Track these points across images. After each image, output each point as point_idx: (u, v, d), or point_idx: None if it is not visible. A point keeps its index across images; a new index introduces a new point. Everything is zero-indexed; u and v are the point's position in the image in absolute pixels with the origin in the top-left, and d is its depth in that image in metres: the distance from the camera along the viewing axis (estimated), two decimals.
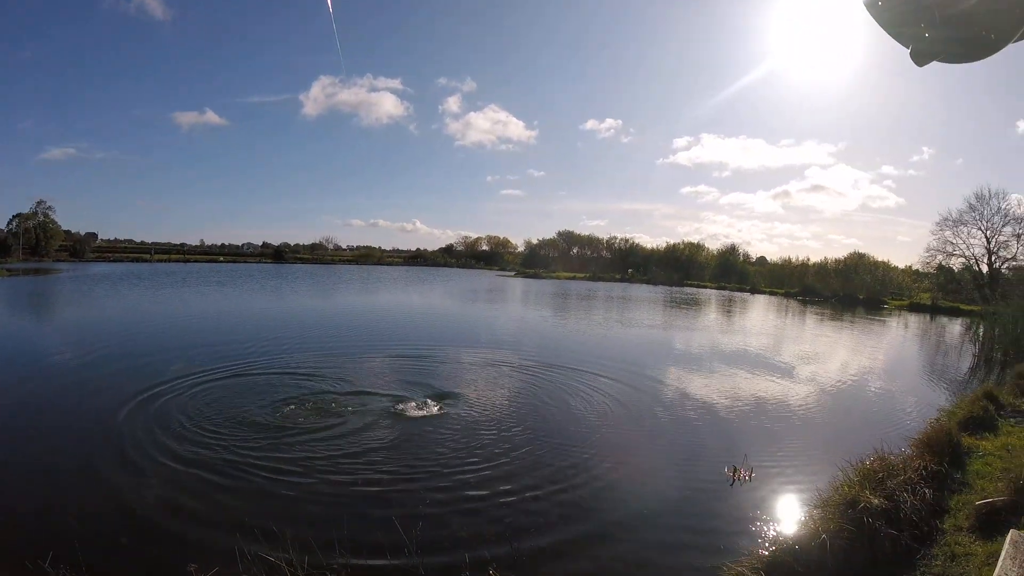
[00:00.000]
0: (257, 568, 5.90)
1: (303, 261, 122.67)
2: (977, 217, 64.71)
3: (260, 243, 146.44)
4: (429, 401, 13.31)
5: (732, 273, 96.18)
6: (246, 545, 6.28)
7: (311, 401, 13.09)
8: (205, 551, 6.58)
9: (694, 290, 79.08)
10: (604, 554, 7.11)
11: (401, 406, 12.80)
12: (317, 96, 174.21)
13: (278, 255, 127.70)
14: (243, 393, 13.66)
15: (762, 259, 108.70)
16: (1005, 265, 63.98)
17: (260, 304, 37.69)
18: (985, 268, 64.66)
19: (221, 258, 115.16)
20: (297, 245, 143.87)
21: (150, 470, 9.16)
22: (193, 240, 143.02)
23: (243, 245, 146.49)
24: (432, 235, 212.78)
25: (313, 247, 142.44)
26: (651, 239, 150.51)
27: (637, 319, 37.21)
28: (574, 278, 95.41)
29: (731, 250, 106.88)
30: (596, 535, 7.56)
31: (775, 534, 7.23)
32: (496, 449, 10.51)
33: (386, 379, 15.77)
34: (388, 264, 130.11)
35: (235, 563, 5.98)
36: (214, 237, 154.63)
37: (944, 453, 9.33)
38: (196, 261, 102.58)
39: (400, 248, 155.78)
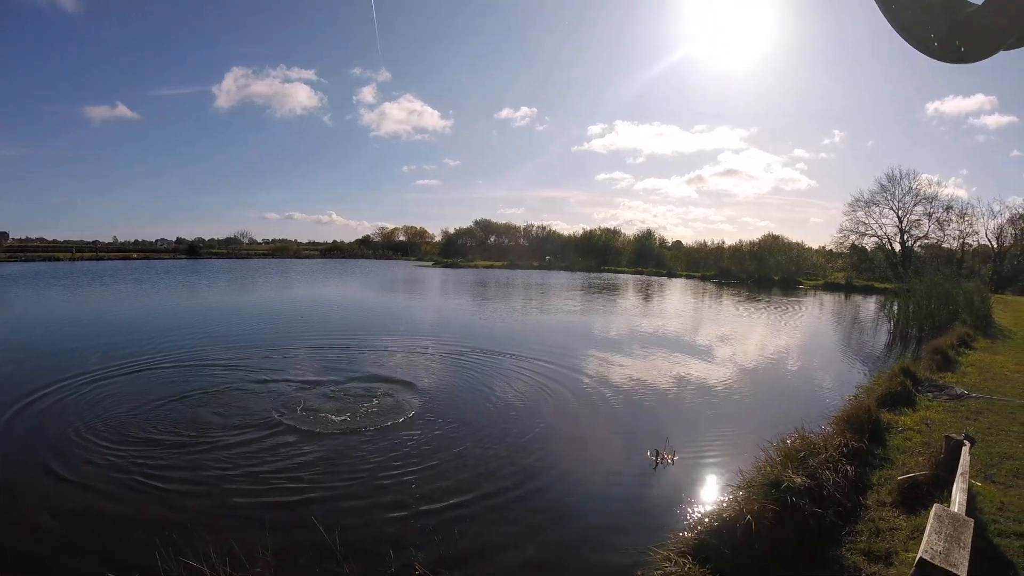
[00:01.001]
0: (178, 573, 5.92)
1: (218, 256, 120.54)
2: (889, 197, 69.97)
3: (174, 239, 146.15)
4: (348, 394, 13.52)
5: (649, 258, 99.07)
6: (166, 553, 6.17)
7: (225, 396, 13.22)
8: (121, 561, 6.52)
9: (612, 275, 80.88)
10: (530, 545, 7.20)
11: (318, 399, 13.06)
12: (230, 88, 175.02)
13: (192, 251, 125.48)
14: (154, 389, 13.74)
15: (678, 243, 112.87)
16: (917, 243, 69.33)
17: (176, 300, 36.44)
18: (898, 247, 69.70)
19: (135, 255, 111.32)
20: (212, 240, 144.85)
21: (49, 474, 8.98)
22: (106, 237, 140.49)
23: (157, 241, 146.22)
24: (348, 227, 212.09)
25: (228, 241, 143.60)
26: (568, 226, 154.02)
27: (556, 305, 37.70)
28: (492, 266, 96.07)
29: (647, 235, 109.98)
30: (521, 526, 7.66)
31: (700, 516, 7.39)
32: (416, 442, 10.57)
33: (303, 370, 16.05)
34: (304, 257, 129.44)
35: (156, 572, 5.97)
36: (127, 234, 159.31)
37: (864, 430, 9.80)
38: (110, 259, 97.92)
39: (316, 241, 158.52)
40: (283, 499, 8.24)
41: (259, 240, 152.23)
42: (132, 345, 19.42)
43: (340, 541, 6.69)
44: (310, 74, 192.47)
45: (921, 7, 1.99)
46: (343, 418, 11.71)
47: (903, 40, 2.09)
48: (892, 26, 2.13)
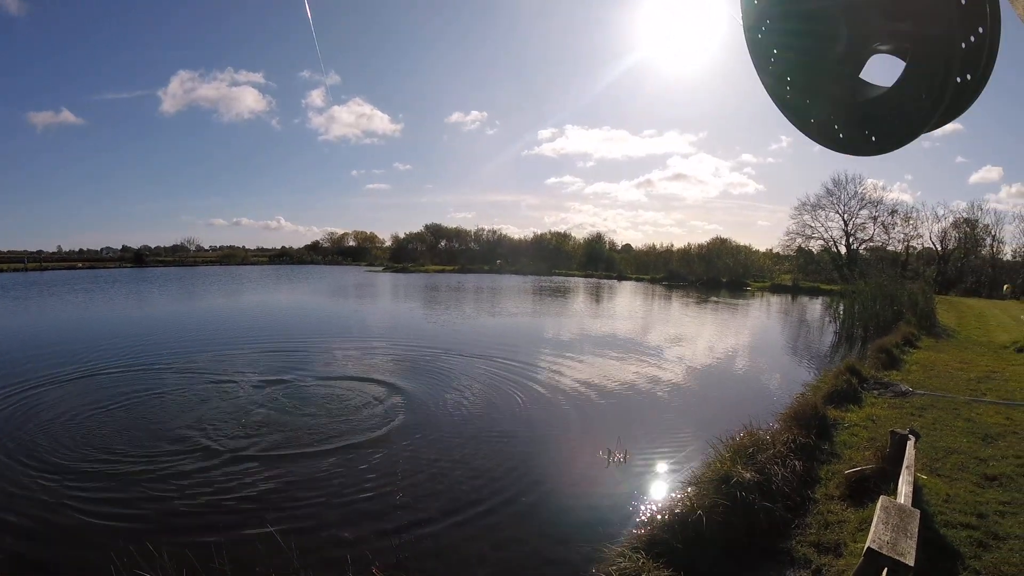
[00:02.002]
0: None
1: (165, 264, 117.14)
2: (835, 201, 72.11)
3: (120, 247, 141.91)
4: (301, 399, 13.55)
5: (599, 261, 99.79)
6: (120, 565, 6.07)
7: (179, 403, 13.17)
8: (72, 568, 6.58)
9: (563, 278, 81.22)
10: (486, 545, 7.21)
11: (272, 405, 13.06)
12: (176, 92, 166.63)
13: (138, 259, 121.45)
14: (105, 395, 13.72)
15: (628, 246, 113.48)
16: (862, 246, 71.55)
17: (127, 309, 35.68)
18: (843, 249, 71.79)
19: (80, 264, 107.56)
20: (158, 248, 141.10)
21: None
22: (50, 247, 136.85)
23: (102, 250, 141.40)
24: (297, 232, 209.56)
25: (175, 249, 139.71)
26: (519, 230, 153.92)
27: (507, 308, 37.75)
28: (443, 271, 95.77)
29: (597, 239, 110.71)
30: (477, 527, 7.68)
31: (653, 512, 7.41)
32: (369, 447, 10.55)
33: (258, 376, 15.95)
34: (253, 264, 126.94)
35: None
36: (72, 243, 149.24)
37: (811, 426, 9.99)
38: (55, 268, 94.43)
39: (265, 247, 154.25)
40: (238, 507, 8.12)
41: (206, 247, 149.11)
42: (85, 352, 19.25)
43: (297, 548, 6.62)
44: (258, 77, 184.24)
45: (821, 98, 1.94)
46: (297, 424, 11.63)
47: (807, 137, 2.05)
48: (794, 124, 2.08)
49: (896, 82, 1.70)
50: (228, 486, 8.75)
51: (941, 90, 1.56)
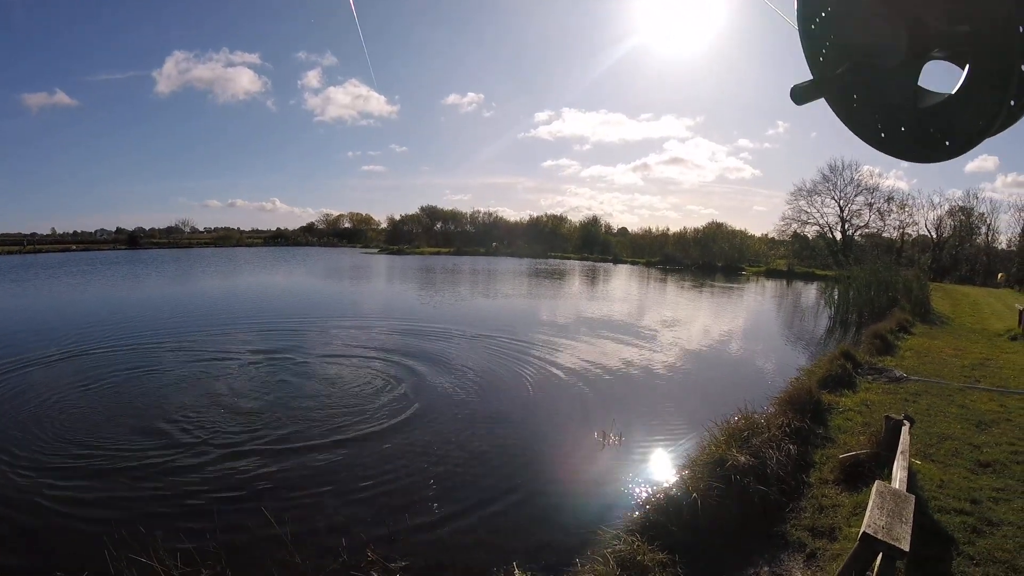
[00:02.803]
0: (129, 572, 5.78)
1: (159, 246, 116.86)
2: (831, 187, 72.24)
3: (114, 229, 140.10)
4: (294, 379, 13.64)
5: (595, 244, 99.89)
6: (116, 552, 6.00)
7: (172, 386, 13.06)
8: (68, 561, 6.29)
9: (558, 261, 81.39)
10: (480, 527, 7.23)
11: (264, 387, 13.13)
12: (171, 72, 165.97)
13: (133, 241, 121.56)
14: (99, 376, 13.65)
15: (624, 230, 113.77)
16: (858, 232, 71.76)
17: (120, 291, 35.65)
18: (839, 235, 71.91)
19: (74, 246, 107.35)
20: (152, 230, 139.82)
21: None
22: (44, 229, 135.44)
23: (96, 232, 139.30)
24: (292, 214, 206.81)
25: (169, 231, 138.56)
26: (515, 212, 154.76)
27: (503, 291, 37.92)
28: (438, 253, 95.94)
29: (593, 222, 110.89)
30: (472, 508, 7.70)
31: (647, 495, 7.45)
32: (363, 428, 10.54)
33: (254, 357, 16.08)
34: (248, 245, 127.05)
35: (106, 569, 5.86)
36: (66, 225, 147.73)
37: (806, 410, 10.02)
38: (48, 251, 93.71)
39: (260, 228, 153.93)
40: (232, 492, 8.08)
41: (201, 229, 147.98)
42: (87, 332, 19.44)
43: (291, 531, 6.64)
44: (254, 58, 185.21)
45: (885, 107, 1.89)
46: (288, 407, 11.59)
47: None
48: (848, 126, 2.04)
49: (960, 84, 1.69)
50: (219, 471, 8.71)
51: (1006, 79, 1.54)
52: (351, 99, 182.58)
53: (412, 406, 11.74)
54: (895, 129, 1.86)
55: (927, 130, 1.78)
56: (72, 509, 7.52)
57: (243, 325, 21.11)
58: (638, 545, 5.72)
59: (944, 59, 1.77)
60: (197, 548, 6.16)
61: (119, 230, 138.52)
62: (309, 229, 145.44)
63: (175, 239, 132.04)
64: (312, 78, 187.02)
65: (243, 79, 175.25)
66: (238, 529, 6.97)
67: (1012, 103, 1.61)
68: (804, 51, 2.03)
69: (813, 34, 2.00)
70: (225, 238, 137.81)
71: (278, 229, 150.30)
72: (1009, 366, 14.99)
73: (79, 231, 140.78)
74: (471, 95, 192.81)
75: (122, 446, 9.55)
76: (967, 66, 1.67)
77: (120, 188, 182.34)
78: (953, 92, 1.71)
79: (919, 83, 1.80)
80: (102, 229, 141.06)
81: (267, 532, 6.70)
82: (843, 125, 2.03)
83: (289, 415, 11.03)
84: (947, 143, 1.73)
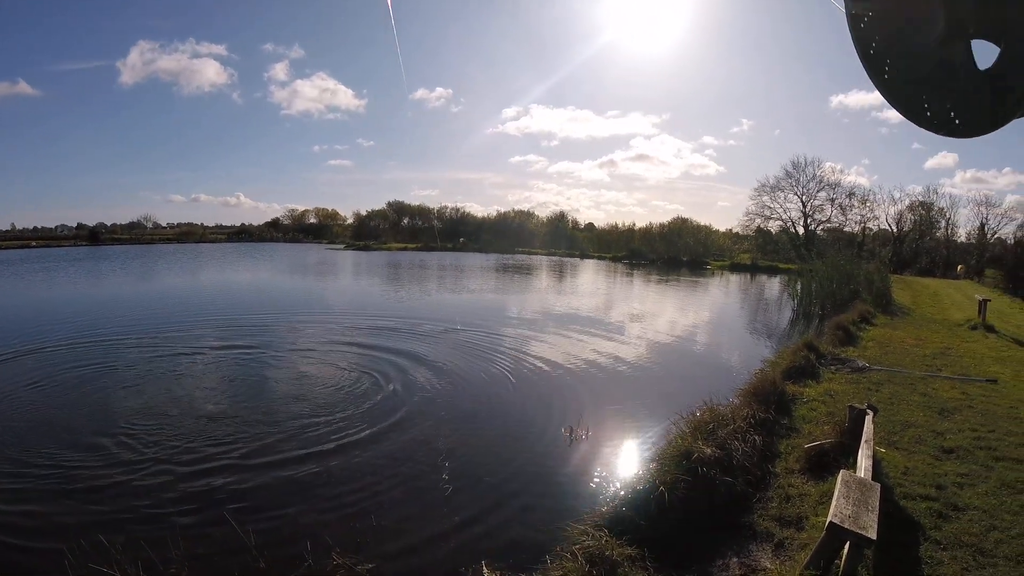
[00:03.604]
0: None
1: (121, 242, 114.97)
2: (793, 183, 73.43)
3: (75, 224, 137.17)
4: (256, 380, 13.36)
5: (562, 239, 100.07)
6: (74, 560, 5.88)
7: (129, 387, 12.68)
8: (26, 572, 6.21)
9: (526, 257, 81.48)
10: (448, 526, 7.11)
11: (225, 387, 12.83)
12: (135, 63, 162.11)
13: (94, 237, 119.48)
14: (51, 377, 13.28)
15: (590, 225, 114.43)
16: (820, 227, 72.96)
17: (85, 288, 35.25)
18: (801, 230, 73.03)
19: (34, 243, 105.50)
20: (114, 225, 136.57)
21: None
22: (3, 225, 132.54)
23: (57, 227, 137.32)
24: (257, 209, 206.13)
25: (131, 226, 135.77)
26: (482, 208, 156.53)
27: (470, 286, 37.81)
28: (406, 248, 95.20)
29: (560, 217, 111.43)
30: (440, 508, 7.58)
31: (615, 489, 7.45)
32: (330, 426, 10.35)
33: (214, 356, 15.75)
34: (212, 241, 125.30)
35: None
36: (25, 220, 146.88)
37: (770, 401, 10.05)
38: (7, 248, 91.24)
39: (224, 224, 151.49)
40: (194, 496, 7.83)
41: (163, 224, 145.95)
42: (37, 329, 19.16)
43: (255, 536, 6.47)
44: (220, 49, 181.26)
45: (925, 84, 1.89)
46: (251, 408, 11.32)
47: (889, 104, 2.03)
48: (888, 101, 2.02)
49: (997, 59, 1.71)
50: (180, 476, 8.41)
51: None
52: (318, 92, 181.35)
53: (377, 406, 11.56)
54: (937, 104, 1.87)
55: (970, 104, 1.79)
56: (27, 521, 7.21)
57: (204, 323, 20.71)
58: (606, 540, 5.66)
59: (985, 38, 1.76)
60: (159, 556, 6.01)
61: (80, 226, 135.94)
62: (274, 225, 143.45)
63: (137, 235, 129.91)
64: (279, 71, 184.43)
65: (209, 71, 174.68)
66: (201, 536, 6.76)
67: None
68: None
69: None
70: (188, 234, 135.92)
71: (242, 225, 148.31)
72: (969, 355, 15.25)
73: (39, 227, 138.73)
74: (439, 90, 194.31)
75: (79, 452, 9.19)
76: (1002, 45, 1.69)
77: (82, 182, 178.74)
78: (986, 68, 1.73)
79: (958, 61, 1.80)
80: (63, 225, 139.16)
81: (231, 538, 6.55)
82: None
83: (251, 417, 10.76)
84: (986, 117, 1.74)
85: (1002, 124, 1.68)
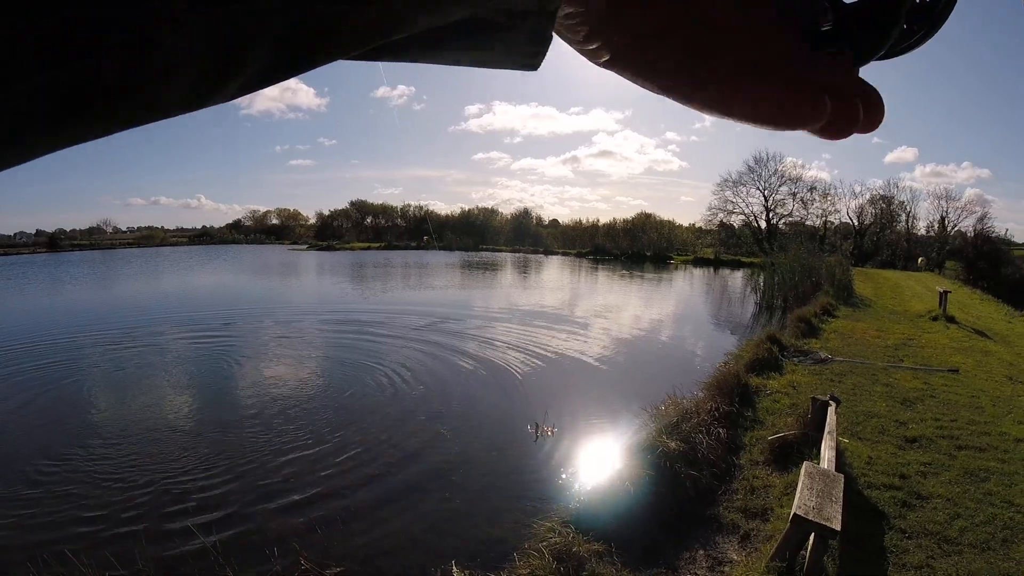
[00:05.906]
0: None
1: (80, 248, 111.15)
2: (756, 178, 74.47)
3: (33, 231, 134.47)
4: (220, 385, 13.07)
5: (526, 236, 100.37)
6: (35, 571, 5.69)
7: (89, 393, 12.33)
8: None
9: (490, 254, 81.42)
10: (415, 526, 7.03)
11: (188, 392, 12.47)
12: None
13: (53, 243, 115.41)
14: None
15: (555, 222, 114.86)
16: (782, 221, 73.91)
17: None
18: (764, 224, 74.07)
19: None
20: (73, 231, 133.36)
21: None
22: None
23: (15, 235, 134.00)
24: (219, 211, 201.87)
25: (91, 232, 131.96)
26: (446, 206, 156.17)
27: (433, 284, 37.53)
28: (369, 248, 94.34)
29: (524, 214, 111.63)
30: (407, 509, 7.46)
31: (581, 486, 7.42)
32: (293, 432, 10.08)
33: (174, 361, 15.21)
34: (173, 245, 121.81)
35: None
36: None
37: (734, 394, 10.12)
38: None
39: (185, 227, 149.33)
40: (156, 504, 7.58)
41: (123, 228, 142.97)
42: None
43: (220, 545, 6.29)
44: None
45: None
46: (213, 409, 11.12)
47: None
48: None
49: None
50: (141, 481, 8.19)
51: None
52: (279, 91, 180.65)
53: (335, 405, 11.42)
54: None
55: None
56: None
57: (166, 325, 20.42)
58: (573, 536, 5.65)
59: None
60: (123, 565, 5.87)
61: (39, 232, 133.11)
62: (236, 227, 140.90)
63: (96, 240, 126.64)
64: None
65: None
66: (164, 545, 6.55)
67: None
68: None
69: None
70: (149, 238, 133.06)
71: (204, 227, 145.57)
72: (931, 345, 15.53)
73: None
74: (401, 88, 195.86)
75: (36, 460, 8.91)
76: None
77: (40, 188, 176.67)
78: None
79: None
80: (21, 232, 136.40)
81: (195, 546, 6.39)
82: None
83: (212, 419, 10.56)
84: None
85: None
